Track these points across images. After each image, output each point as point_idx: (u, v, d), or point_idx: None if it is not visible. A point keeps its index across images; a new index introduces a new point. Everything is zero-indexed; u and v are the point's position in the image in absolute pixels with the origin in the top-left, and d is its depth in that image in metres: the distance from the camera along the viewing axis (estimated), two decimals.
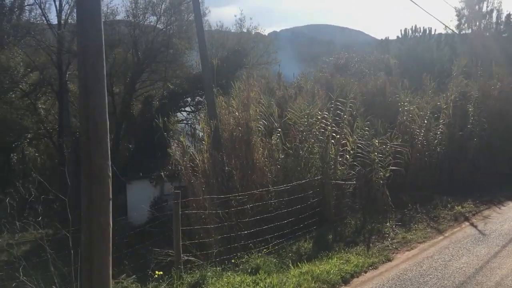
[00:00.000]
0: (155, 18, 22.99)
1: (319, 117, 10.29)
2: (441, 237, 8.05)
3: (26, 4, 24.83)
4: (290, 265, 6.14)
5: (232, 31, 25.81)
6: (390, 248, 7.35)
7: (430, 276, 5.83)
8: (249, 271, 5.87)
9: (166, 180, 12.28)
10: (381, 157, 10.31)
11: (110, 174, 3.96)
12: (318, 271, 5.75)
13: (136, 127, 23.34)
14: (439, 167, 13.16)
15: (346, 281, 5.80)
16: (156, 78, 24.17)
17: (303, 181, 8.63)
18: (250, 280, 5.52)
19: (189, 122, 22.06)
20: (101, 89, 3.93)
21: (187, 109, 24.02)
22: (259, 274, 5.64)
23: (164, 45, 22.14)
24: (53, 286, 4.83)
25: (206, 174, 9.16)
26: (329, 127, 10.15)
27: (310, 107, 10.32)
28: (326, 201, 8.62)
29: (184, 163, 9.08)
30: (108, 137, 3.99)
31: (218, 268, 5.93)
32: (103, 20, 4.37)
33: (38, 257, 4.96)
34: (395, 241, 7.80)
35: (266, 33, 38.84)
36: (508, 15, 26.99)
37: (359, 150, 10.32)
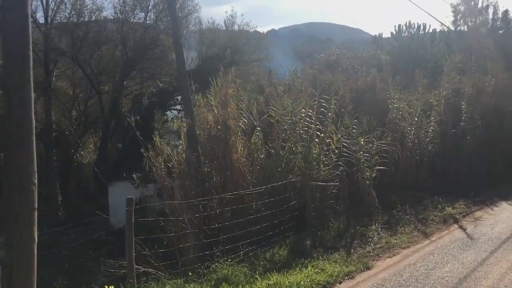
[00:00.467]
0: (143, 14, 22.50)
1: (303, 115, 9.83)
2: (427, 242, 7.59)
3: None
4: (258, 275, 5.64)
5: (224, 28, 25.27)
6: (371, 254, 6.89)
7: None
8: (213, 283, 5.39)
9: (144, 182, 11.79)
10: (368, 156, 9.85)
11: (36, 180, 3.48)
12: (287, 282, 5.27)
13: (125, 126, 22.83)
14: (430, 166, 12.72)
15: None
16: (146, 76, 23.67)
17: (280, 183, 8.16)
18: None
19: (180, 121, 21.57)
20: (25, 82, 3.45)
21: (178, 107, 23.53)
22: (222, 286, 5.17)
23: (153, 42, 21.65)
24: None
25: (181, 176, 8.70)
26: (313, 126, 9.70)
27: (293, 104, 9.87)
28: (306, 204, 8.15)
29: (158, 164, 8.60)
30: (34, 139, 3.50)
31: (181, 280, 5.46)
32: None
33: None
34: (378, 246, 7.34)
35: (265, 31, 38.36)
36: (505, 11, 26.53)
37: (345, 149, 9.88)
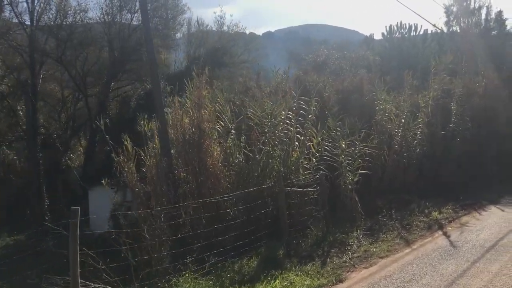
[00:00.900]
0: (130, 15, 22.12)
1: (282, 117, 9.45)
2: (408, 250, 7.20)
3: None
4: None
5: (213, 29, 24.92)
6: (347, 264, 6.49)
7: None
8: None
9: (124, 187, 11.32)
10: (350, 160, 9.47)
11: None
12: None
13: (113, 128, 22.42)
14: (418, 169, 12.36)
15: None
16: (133, 78, 23.27)
17: (254, 188, 7.76)
18: None
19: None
20: None
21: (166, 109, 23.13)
22: None
23: (139, 43, 21.26)
24: None
25: (153, 181, 8.31)
26: (293, 128, 9.32)
27: (273, 106, 9.50)
28: (280, 210, 7.75)
29: (128, 168, 8.19)
30: None
31: None
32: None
33: None
34: (355, 255, 6.95)
35: (261, 33, 38.11)
36: (499, 12, 26.23)
37: (327, 153, 9.51)
